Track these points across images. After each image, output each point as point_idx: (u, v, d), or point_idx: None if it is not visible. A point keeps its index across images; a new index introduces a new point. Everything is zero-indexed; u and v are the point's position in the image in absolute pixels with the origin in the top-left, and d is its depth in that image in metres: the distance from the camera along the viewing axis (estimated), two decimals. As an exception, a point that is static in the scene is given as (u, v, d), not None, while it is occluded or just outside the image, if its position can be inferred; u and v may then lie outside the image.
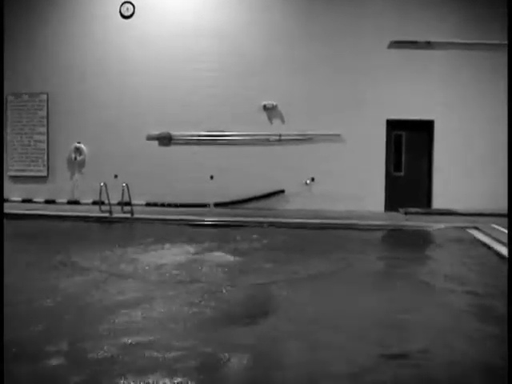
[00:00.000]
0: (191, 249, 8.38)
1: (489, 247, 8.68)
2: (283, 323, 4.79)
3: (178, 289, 5.89)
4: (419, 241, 9.92)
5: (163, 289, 5.91)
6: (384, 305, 5.52)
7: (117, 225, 11.55)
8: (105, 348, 4.05)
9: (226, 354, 3.91)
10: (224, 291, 5.85)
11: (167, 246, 8.63)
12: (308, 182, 13.48)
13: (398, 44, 13.13)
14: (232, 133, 13.64)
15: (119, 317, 4.82)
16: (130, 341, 4.20)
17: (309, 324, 4.80)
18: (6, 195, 13.41)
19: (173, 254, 7.93)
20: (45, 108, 14.30)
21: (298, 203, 13.31)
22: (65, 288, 5.89)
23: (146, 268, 6.91)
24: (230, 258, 7.75)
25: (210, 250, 8.37)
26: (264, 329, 4.64)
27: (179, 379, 3.53)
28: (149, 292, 5.74)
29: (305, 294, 5.88)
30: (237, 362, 3.81)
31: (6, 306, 3.97)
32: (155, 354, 3.95)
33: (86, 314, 5.00)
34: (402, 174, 13.70)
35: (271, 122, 13.60)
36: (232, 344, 4.17)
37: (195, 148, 13.76)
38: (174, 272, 6.72)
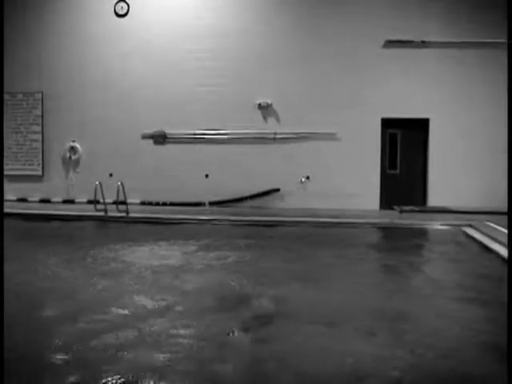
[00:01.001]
0: (186, 248, 8.36)
1: (483, 245, 8.69)
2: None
3: (173, 294, 5.76)
4: (413, 239, 9.91)
5: (156, 292, 5.83)
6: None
7: (112, 224, 11.52)
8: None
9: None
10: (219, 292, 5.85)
11: (162, 244, 8.62)
12: (303, 180, 13.49)
13: (392, 43, 13.14)
14: (227, 131, 13.63)
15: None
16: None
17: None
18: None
19: (167, 255, 7.89)
20: (39, 107, 14.28)
21: (293, 202, 13.31)
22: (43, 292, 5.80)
23: (139, 270, 6.79)
24: (228, 256, 7.72)
25: (207, 248, 8.35)
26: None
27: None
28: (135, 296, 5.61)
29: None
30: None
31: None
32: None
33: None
34: (397, 172, 13.73)
35: (266, 121, 13.60)
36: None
37: (190, 146, 13.76)
38: (170, 273, 6.69)
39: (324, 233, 10.32)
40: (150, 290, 5.77)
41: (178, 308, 5.13)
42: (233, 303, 5.31)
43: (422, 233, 10.50)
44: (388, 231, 10.81)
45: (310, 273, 6.79)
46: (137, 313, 4.92)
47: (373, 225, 11.10)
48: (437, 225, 10.86)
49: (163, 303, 5.26)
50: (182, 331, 4.44)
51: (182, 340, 4.23)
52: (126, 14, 13.88)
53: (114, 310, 5.03)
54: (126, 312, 4.95)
